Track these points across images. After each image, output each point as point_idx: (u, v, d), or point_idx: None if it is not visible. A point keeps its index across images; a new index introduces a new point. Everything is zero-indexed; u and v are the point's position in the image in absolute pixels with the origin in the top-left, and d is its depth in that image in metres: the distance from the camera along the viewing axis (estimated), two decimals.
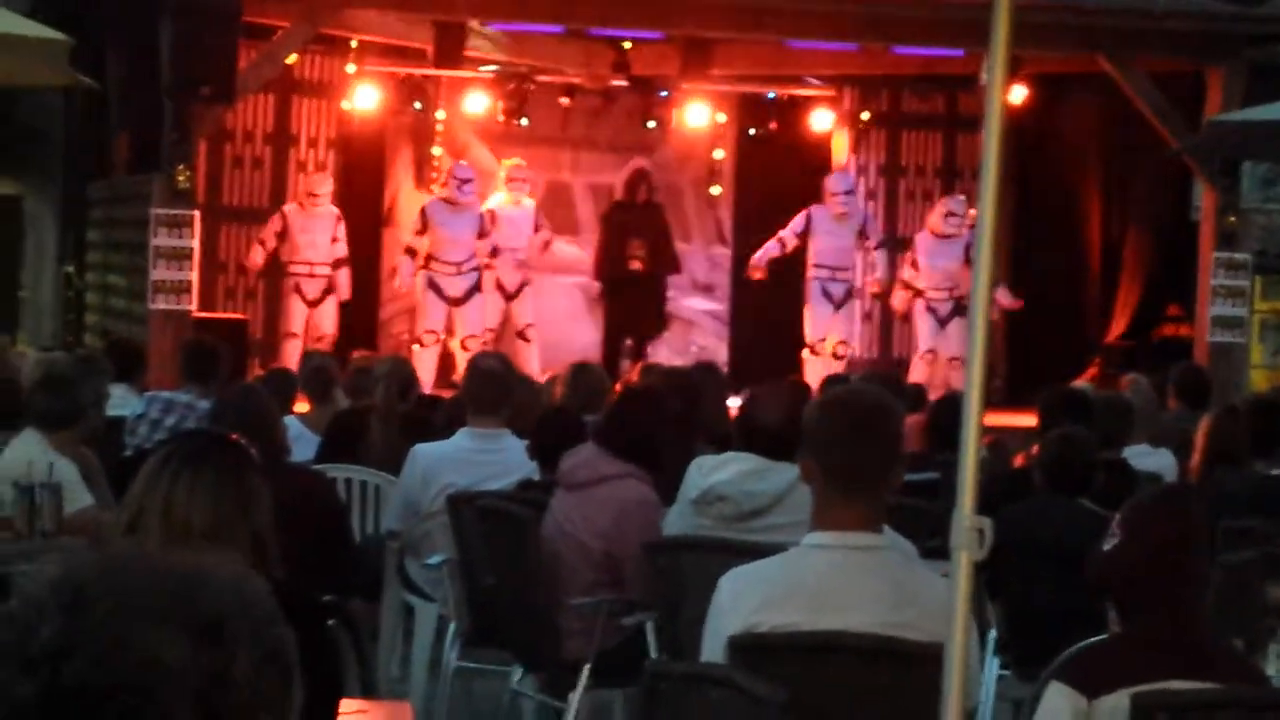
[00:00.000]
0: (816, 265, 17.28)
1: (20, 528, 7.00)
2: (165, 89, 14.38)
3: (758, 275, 17.30)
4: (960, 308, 16.76)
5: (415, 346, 16.81)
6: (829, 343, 17.26)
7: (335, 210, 16.60)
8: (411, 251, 16.77)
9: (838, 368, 16.49)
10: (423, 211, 16.81)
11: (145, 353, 11.86)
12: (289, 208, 16.64)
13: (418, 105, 17.66)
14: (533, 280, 17.25)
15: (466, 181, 16.75)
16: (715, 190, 19.02)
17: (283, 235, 16.55)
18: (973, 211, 17.03)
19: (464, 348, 16.25)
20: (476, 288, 16.79)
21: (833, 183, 17.42)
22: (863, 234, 17.46)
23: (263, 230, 16.57)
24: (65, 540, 6.91)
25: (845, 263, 17.36)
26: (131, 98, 15.59)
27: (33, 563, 6.50)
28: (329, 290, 16.50)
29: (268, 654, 1.59)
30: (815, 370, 16.73)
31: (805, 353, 17.28)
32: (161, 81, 14.41)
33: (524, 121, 17.73)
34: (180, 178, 14.60)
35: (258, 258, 16.52)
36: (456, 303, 16.75)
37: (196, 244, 14.96)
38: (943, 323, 17.06)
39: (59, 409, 7.40)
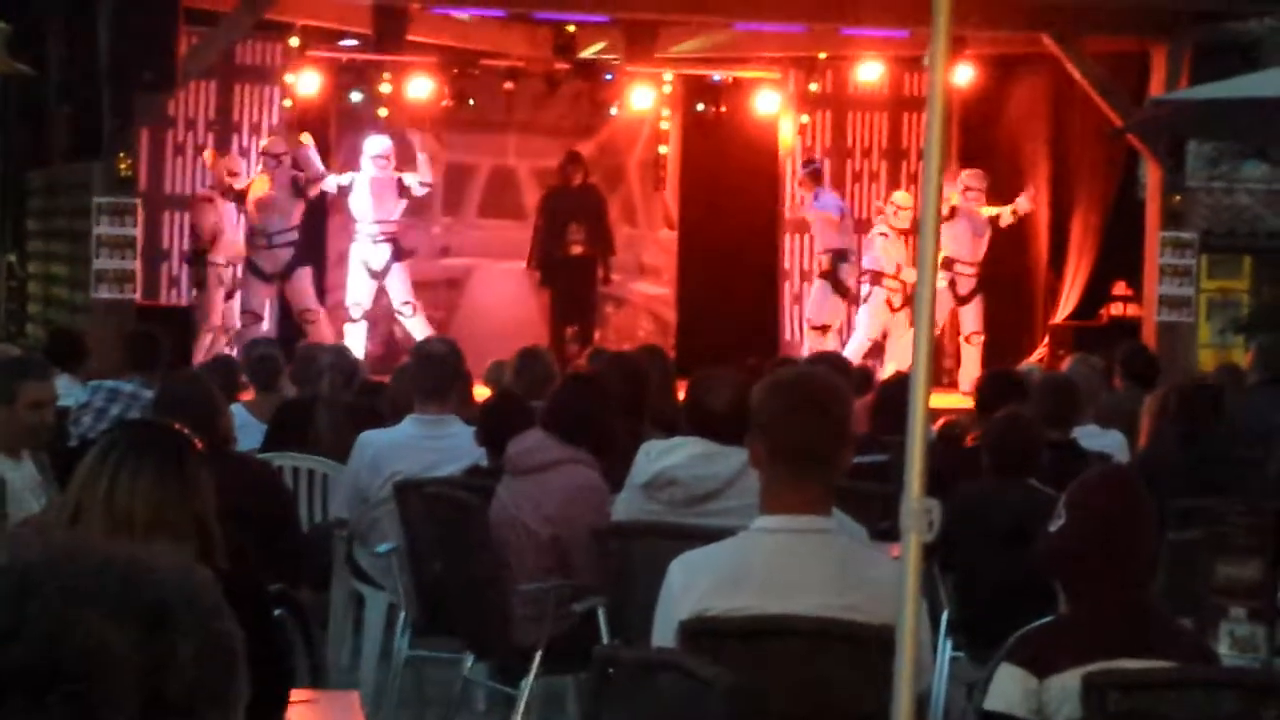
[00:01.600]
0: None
1: None
2: (105, 76, 14.28)
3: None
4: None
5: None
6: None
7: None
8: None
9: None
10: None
11: (87, 342, 11.75)
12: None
13: (355, 97, 17.61)
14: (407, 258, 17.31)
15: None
16: (660, 173, 18.99)
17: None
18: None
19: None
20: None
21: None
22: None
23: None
24: (10, 531, 6.83)
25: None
26: (71, 85, 15.48)
27: None
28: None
29: (211, 644, 1.59)
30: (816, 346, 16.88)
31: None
32: (101, 68, 14.31)
33: (470, 101, 17.74)
34: (122, 165, 14.51)
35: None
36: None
37: (139, 232, 14.87)
38: (896, 310, 17.16)
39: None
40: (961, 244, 17.23)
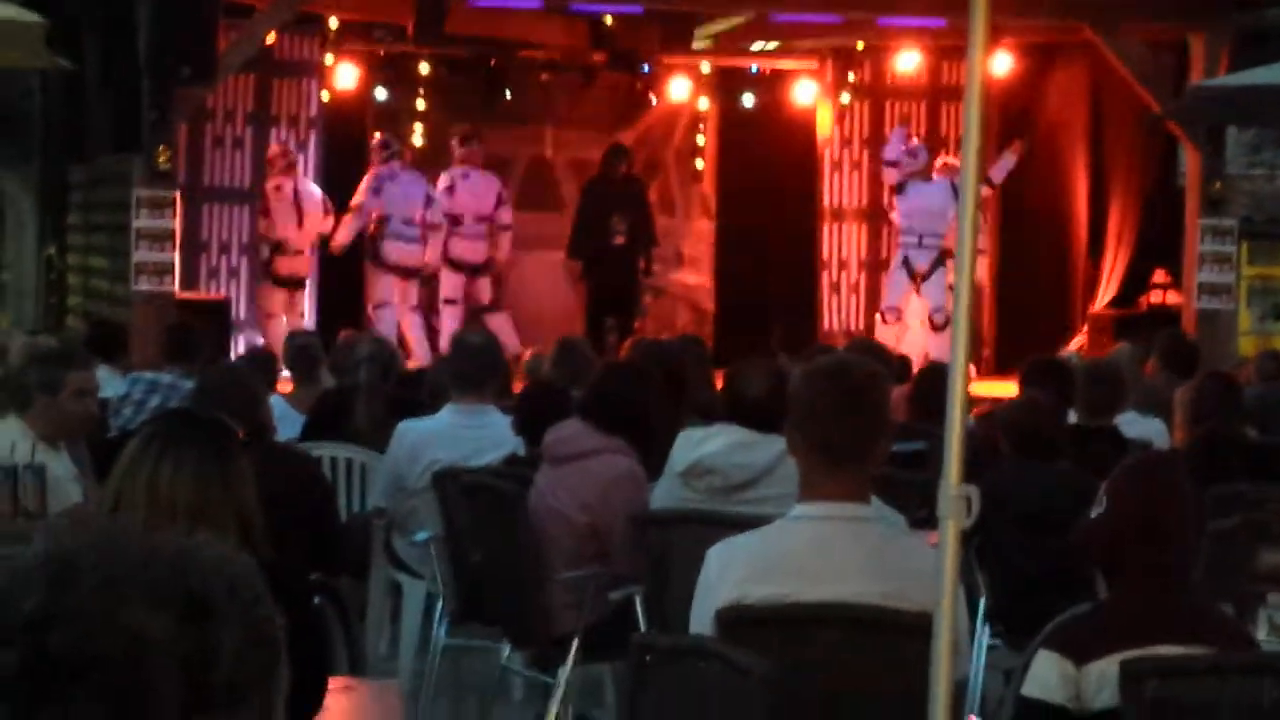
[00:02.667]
0: (903, 232, 17.26)
1: (4, 509, 6.96)
2: (144, 70, 14.32)
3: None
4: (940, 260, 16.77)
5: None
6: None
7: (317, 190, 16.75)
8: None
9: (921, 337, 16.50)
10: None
11: (127, 333, 11.79)
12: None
13: (381, 96, 17.61)
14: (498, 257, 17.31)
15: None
16: (698, 164, 18.97)
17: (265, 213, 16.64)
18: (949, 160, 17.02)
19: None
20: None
21: (907, 145, 17.29)
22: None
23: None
24: (50, 521, 6.87)
25: (936, 229, 17.21)
26: (110, 79, 15.54)
27: (15, 545, 6.46)
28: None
29: (254, 633, 1.59)
30: (886, 337, 16.65)
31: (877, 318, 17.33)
32: (140, 62, 14.35)
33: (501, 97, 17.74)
34: (161, 159, 14.55)
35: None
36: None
37: (178, 225, 14.92)
38: (923, 276, 17.00)
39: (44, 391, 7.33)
40: (915, 210, 17.09)
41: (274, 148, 16.81)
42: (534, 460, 7.62)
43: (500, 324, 16.56)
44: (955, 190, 16.82)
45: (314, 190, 16.80)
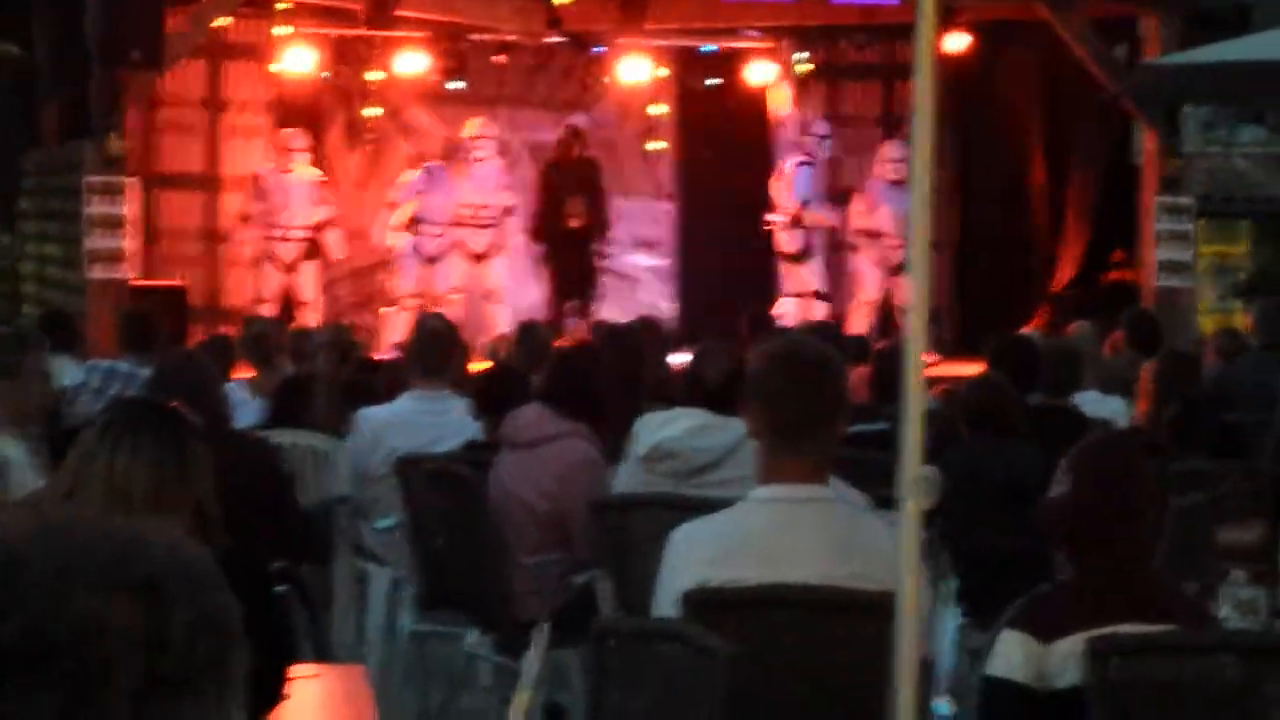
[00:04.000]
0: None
1: None
2: (94, 55, 14.24)
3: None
4: None
5: (389, 308, 16.86)
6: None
7: (315, 171, 16.64)
8: (394, 206, 16.78)
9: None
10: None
11: (79, 321, 11.69)
12: (263, 171, 16.65)
13: (325, 74, 17.55)
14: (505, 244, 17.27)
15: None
16: (654, 145, 18.96)
17: (259, 198, 16.57)
18: None
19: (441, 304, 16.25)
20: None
21: (814, 129, 17.32)
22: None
23: (245, 203, 16.62)
24: (1, 509, 6.82)
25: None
26: (60, 65, 15.44)
27: None
28: (307, 255, 16.53)
29: (206, 618, 1.57)
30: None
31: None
32: (89, 48, 14.27)
33: (456, 84, 17.64)
34: (112, 144, 14.47)
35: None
36: (432, 262, 16.81)
37: (131, 211, 14.84)
38: (894, 270, 17.04)
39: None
40: (886, 217, 17.17)
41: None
42: (494, 445, 7.61)
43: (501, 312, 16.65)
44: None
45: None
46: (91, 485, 4.18)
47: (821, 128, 17.49)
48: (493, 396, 7.96)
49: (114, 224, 14.65)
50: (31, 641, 1.51)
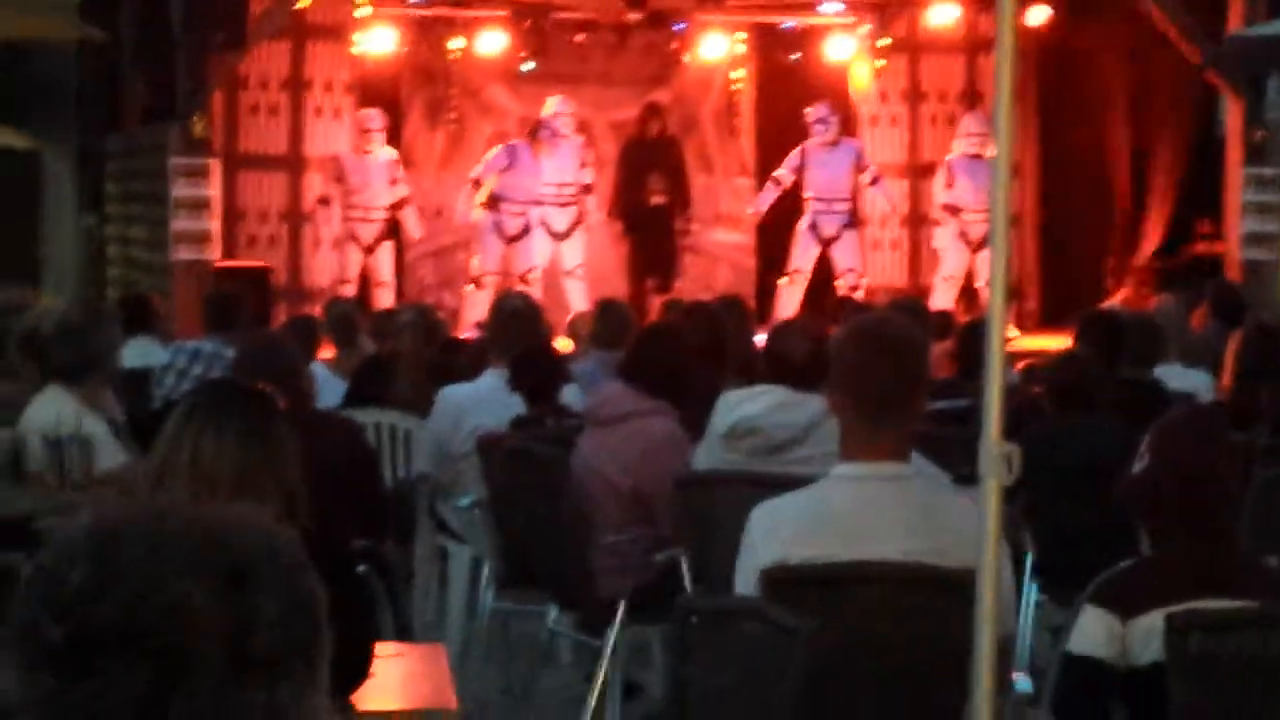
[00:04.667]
0: (813, 199, 17.30)
1: (49, 481, 7.00)
2: (178, 38, 14.33)
3: (758, 215, 17.73)
4: None
5: (469, 287, 16.88)
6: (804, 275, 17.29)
7: (392, 152, 16.68)
8: (477, 183, 16.79)
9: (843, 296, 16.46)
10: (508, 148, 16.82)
11: (162, 304, 11.75)
12: (341, 151, 16.71)
13: (415, 58, 17.55)
14: (585, 220, 17.26)
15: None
16: (735, 122, 18.92)
17: (339, 180, 16.62)
18: None
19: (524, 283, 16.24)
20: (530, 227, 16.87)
21: (810, 114, 17.38)
22: (859, 165, 17.39)
23: (322, 184, 16.70)
24: (95, 493, 6.91)
25: (840, 194, 17.29)
26: (144, 48, 15.55)
27: (62, 516, 6.50)
28: (385, 235, 16.58)
29: (295, 601, 1.60)
30: (787, 298, 17.01)
31: (782, 281, 17.32)
32: (174, 31, 14.37)
33: (528, 66, 17.66)
34: (196, 126, 14.57)
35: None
36: (513, 240, 16.80)
37: (216, 193, 14.94)
38: (976, 246, 16.92)
39: (76, 360, 7.38)
40: (966, 191, 17.04)
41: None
42: (539, 420, 7.75)
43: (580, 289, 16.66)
44: (859, 153, 17.31)
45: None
46: (178, 468, 4.22)
47: (821, 111, 17.38)
48: (528, 373, 8.05)
49: (199, 206, 14.75)
50: (123, 623, 1.54)
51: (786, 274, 17.39)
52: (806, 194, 17.34)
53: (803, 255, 17.37)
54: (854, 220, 17.52)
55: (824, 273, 17.37)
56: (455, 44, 17.64)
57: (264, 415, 4.33)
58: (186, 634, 1.54)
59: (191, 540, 1.59)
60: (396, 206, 16.69)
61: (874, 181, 17.51)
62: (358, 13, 17.12)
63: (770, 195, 17.60)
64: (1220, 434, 4.66)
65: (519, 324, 8.77)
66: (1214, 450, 4.55)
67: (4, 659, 1.59)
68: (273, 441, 4.27)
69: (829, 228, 17.28)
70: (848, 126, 18.24)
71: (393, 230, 16.80)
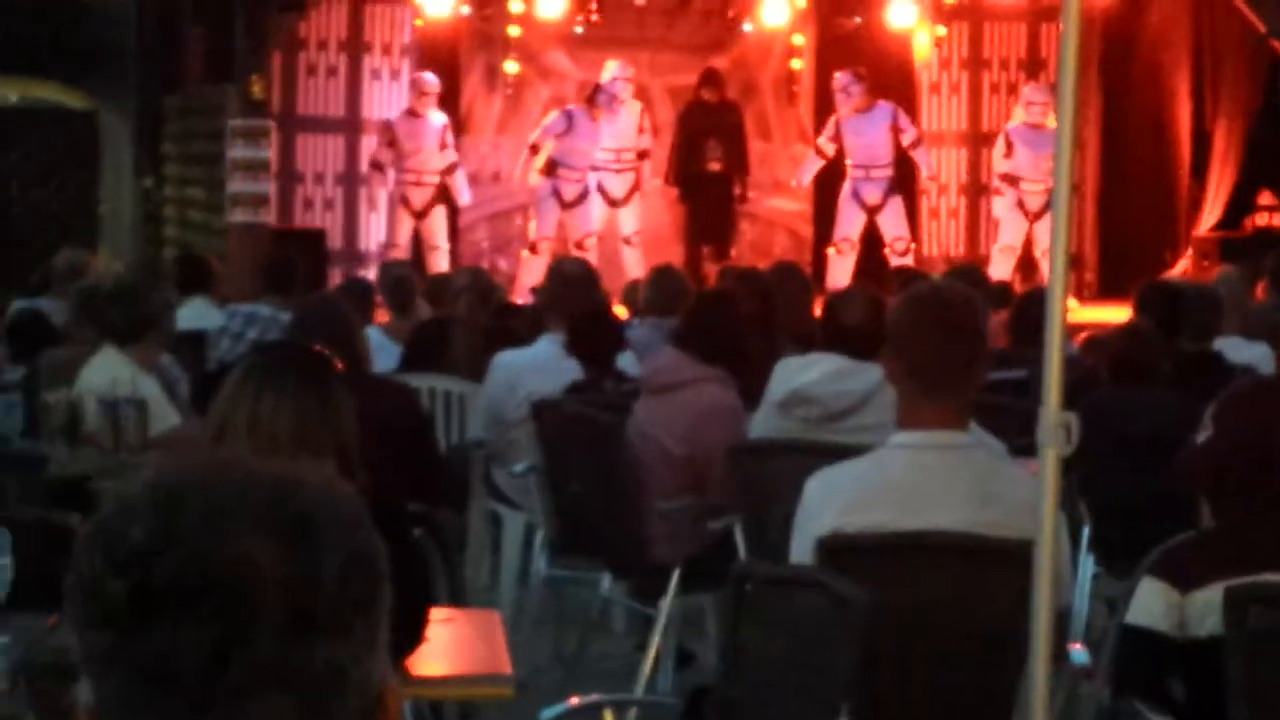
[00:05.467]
0: (852, 166, 17.16)
1: (105, 443, 7.02)
2: None
3: (807, 186, 17.73)
4: None
5: (525, 253, 16.87)
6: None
7: (444, 116, 16.64)
8: (535, 148, 16.76)
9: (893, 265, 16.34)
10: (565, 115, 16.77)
11: (212, 265, 11.78)
12: (394, 116, 16.69)
13: (466, 14, 17.47)
14: (642, 186, 17.21)
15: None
16: (794, 89, 18.86)
17: (391, 144, 16.60)
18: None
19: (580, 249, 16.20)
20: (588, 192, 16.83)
21: (836, 82, 17.23)
22: (895, 127, 17.17)
23: (374, 148, 16.67)
24: (152, 455, 6.93)
25: (879, 160, 17.11)
26: (203, 8, 15.58)
27: (118, 478, 6.52)
28: (437, 199, 16.56)
29: (355, 555, 1.60)
30: (837, 268, 16.79)
31: (830, 251, 17.24)
32: None
33: (579, 29, 17.62)
34: (255, 88, 14.60)
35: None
36: (570, 206, 16.77)
37: (273, 155, 14.96)
38: (1035, 216, 16.81)
39: (132, 321, 7.41)
40: (1024, 161, 16.89)
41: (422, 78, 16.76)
42: (595, 385, 7.73)
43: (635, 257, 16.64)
44: (894, 115, 16.90)
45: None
46: (237, 428, 4.23)
47: (844, 79, 17.19)
48: (587, 338, 8.02)
49: (256, 168, 14.78)
50: (188, 578, 1.54)
51: (834, 244, 17.30)
52: (847, 161, 17.23)
53: (849, 224, 17.24)
54: (898, 186, 17.32)
55: (875, 241, 17.28)
56: (515, 7, 17.61)
57: (322, 375, 4.34)
58: (248, 588, 1.54)
59: (253, 495, 1.59)
60: (447, 172, 16.68)
61: (914, 145, 17.34)
62: None
63: (813, 166, 17.50)
64: None
65: (575, 289, 8.75)
66: (1277, 423, 4.50)
67: (65, 615, 1.59)
68: (331, 401, 4.28)
69: (871, 195, 17.13)
70: (904, 93, 18.13)
71: (445, 195, 16.79)
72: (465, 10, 17.49)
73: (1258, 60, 17.16)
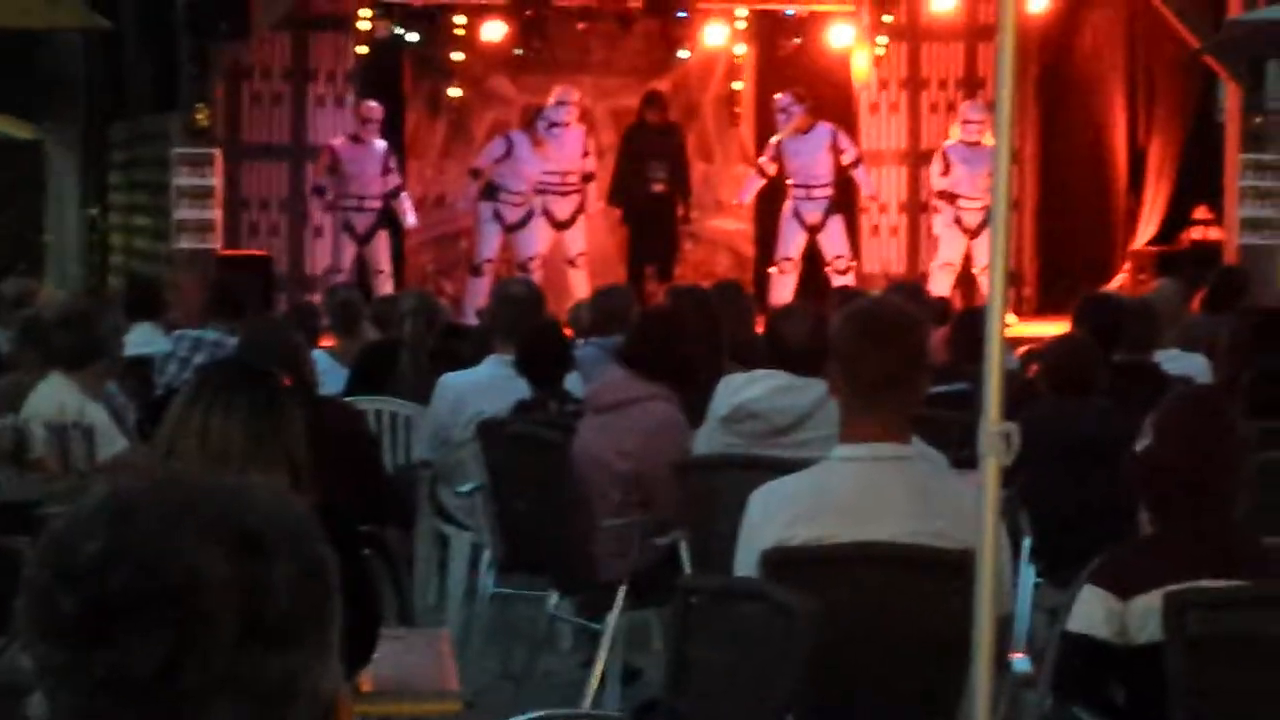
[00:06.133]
0: (793, 186, 17.28)
1: (54, 468, 7.03)
2: (182, 27, 14.36)
3: (749, 204, 17.80)
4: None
5: (468, 276, 16.91)
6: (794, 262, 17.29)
7: (385, 143, 16.67)
8: (476, 173, 16.80)
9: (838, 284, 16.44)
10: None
11: (163, 290, 11.78)
12: (336, 142, 16.70)
13: (399, 31, 17.47)
14: (586, 208, 17.27)
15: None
16: (735, 110, 18.93)
17: (332, 170, 16.61)
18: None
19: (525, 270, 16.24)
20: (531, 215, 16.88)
21: (776, 103, 17.36)
22: (835, 147, 17.29)
23: (315, 170, 16.68)
24: (99, 479, 6.94)
25: (819, 179, 17.23)
26: (148, 37, 15.57)
27: (66, 503, 6.53)
28: (381, 224, 16.59)
29: (307, 568, 1.61)
30: (779, 287, 16.89)
31: (772, 270, 17.33)
32: (177, 20, 14.39)
33: (519, 52, 17.69)
34: (199, 116, 14.59)
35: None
36: (513, 229, 16.81)
37: (218, 182, 14.96)
38: (972, 233, 16.94)
39: (79, 347, 7.41)
40: (962, 178, 17.02)
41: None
42: (542, 404, 7.78)
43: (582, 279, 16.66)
44: (834, 136, 17.05)
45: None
46: (187, 445, 4.24)
47: (783, 100, 17.33)
48: (536, 357, 8.06)
49: (201, 195, 14.78)
50: (140, 588, 1.55)
51: (776, 263, 17.39)
52: (788, 181, 17.34)
53: (790, 243, 17.36)
54: (838, 205, 17.44)
55: (816, 260, 17.37)
56: (457, 32, 17.64)
57: (272, 392, 4.36)
58: (201, 600, 1.56)
59: (205, 507, 1.60)
60: (390, 196, 16.71)
61: (853, 165, 17.46)
62: (360, 2, 17.13)
63: (755, 185, 17.62)
64: (1225, 415, 4.68)
65: (521, 309, 8.79)
66: (1218, 431, 4.57)
67: (17, 631, 1.60)
68: (282, 418, 4.30)
69: (812, 215, 17.25)
70: (844, 113, 18.23)
71: (389, 219, 16.81)
72: (409, 36, 17.52)
73: (1191, 76, 17.30)
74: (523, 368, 8.11)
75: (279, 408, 4.29)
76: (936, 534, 4.59)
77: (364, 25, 17.12)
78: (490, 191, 16.77)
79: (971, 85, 18.57)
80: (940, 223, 17.41)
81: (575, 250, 17.14)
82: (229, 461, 4.18)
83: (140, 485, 1.64)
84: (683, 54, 18.44)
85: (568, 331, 11.98)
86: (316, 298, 14.64)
